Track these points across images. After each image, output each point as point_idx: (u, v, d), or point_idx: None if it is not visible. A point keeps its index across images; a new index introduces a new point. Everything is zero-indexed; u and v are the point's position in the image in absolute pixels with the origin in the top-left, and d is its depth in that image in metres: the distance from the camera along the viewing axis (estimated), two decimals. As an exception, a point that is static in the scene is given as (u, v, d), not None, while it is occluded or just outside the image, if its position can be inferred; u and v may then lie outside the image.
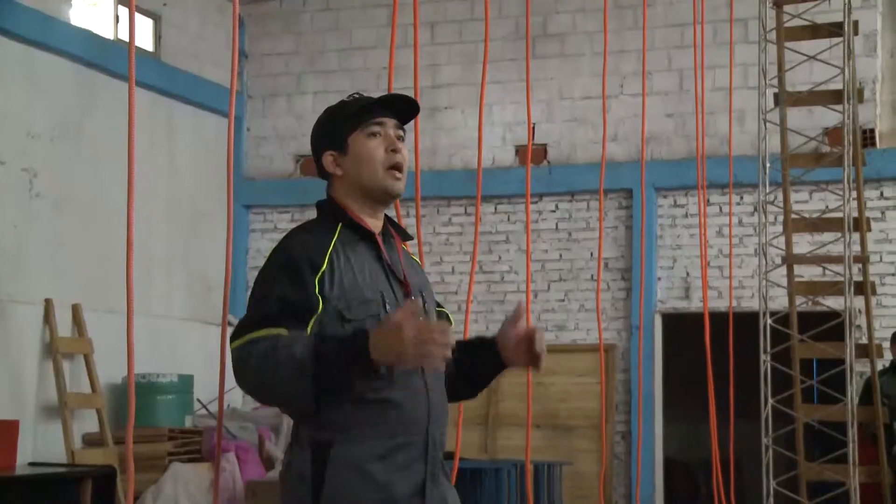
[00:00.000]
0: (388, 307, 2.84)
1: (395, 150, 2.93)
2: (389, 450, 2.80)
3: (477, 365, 3.06)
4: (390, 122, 2.97)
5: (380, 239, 2.97)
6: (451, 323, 3.10)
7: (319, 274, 2.77)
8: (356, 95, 3.05)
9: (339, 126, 2.96)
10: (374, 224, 2.98)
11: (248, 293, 2.89)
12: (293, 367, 2.63)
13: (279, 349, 2.64)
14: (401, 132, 3.00)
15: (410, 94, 4.69)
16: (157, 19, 11.04)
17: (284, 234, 2.97)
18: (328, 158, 2.97)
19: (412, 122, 3.12)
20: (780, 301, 9.53)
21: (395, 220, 3.12)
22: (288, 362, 2.63)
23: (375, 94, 3.11)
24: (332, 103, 3.11)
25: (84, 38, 9.89)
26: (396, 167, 2.93)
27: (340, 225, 2.91)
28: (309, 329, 2.73)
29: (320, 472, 2.76)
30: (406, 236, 3.09)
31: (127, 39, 4.07)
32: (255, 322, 2.73)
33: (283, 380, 2.64)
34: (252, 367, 2.67)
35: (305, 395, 2.66)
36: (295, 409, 2.80)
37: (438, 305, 3.14)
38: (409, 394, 2.84)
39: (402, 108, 3.03)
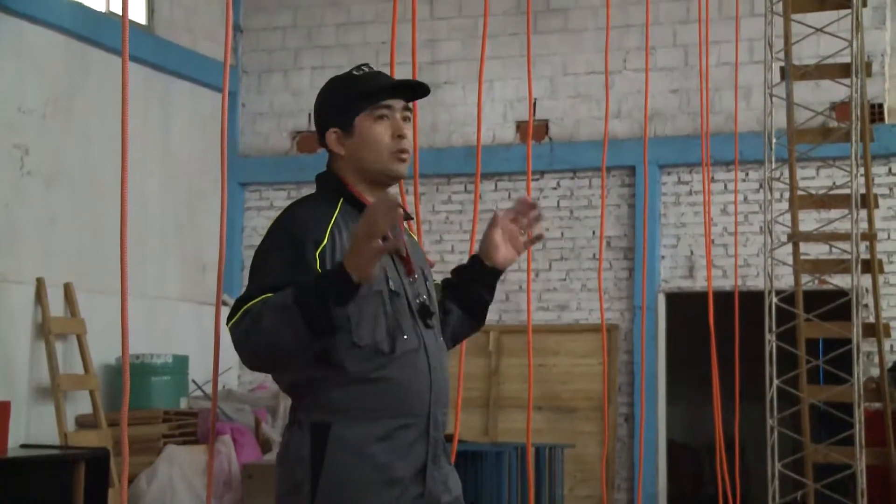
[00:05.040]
0: (390, 283, 2.81)
1: (401, 136, 2.87)
2: (390, 431, 2.76)
3: (469, 287, 3.08)
4: (398, 105, 2.91)
5: None
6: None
7: (320, 249, 2.73)
8: (365, 69, 2.95)
9: (346, 105, 2.89)
10: None
11: (244, 272, 2.85)
12: (280, 313, 2.58)
13: (267, 306, 2.61)
14: (408, 114, 2.94)
15: (409, 69, 4.60)
16: (150, -8, 10.86)
17: (283, 209, 2.90)
18: (332, 136, 2.91)
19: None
20: (785, 280, 9.39)
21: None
22: (274, 312, 2.58)
23: (375, 70, 3.01)
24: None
25: (76, 11, 9.70)
26: (402, 151, 2.88)
27: (342, 199, 2.87)
28: None
29: (319, 453, 2.72)
30: (406, 215, 3.01)
31: (119, 12, 3.91)
32: (248, 299, 2.69)
33: (274, 331, 2.59)
34: (247, 335, 2.63)
35: (297, 336, 2.58)
36: (298, 361, 2.70)
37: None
38: (412, 373, 2.80)
39: (414, 90, 2.96)
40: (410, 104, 2.96)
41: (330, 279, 2.58)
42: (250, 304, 2.66)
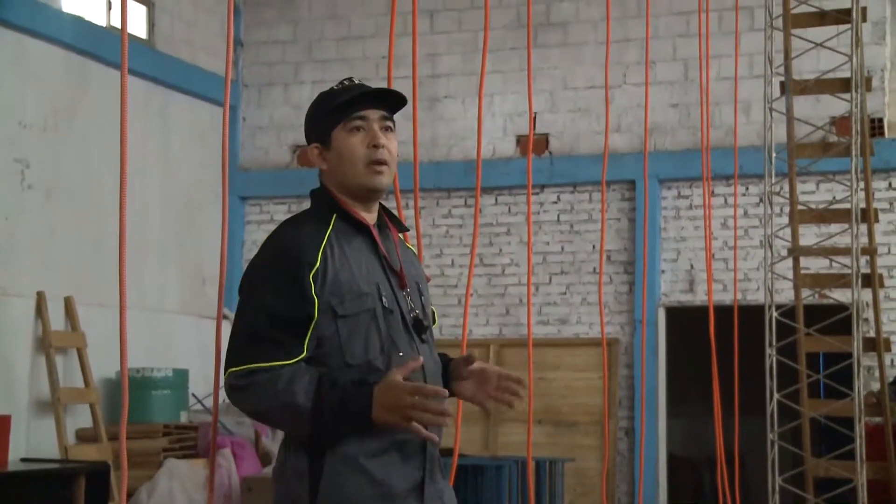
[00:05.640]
0: (384, 300, 2.79)
1: (376, 146, 2.83)
2: (387, 446, 2.74)
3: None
4: (375, 115, 2.86)
5: (375, 230, 2.89)
6: (434, 321, 3.07)
7: (313, 271, 2.71)
8: (346, 82, 2.93)
9: (323, 119, 2.88)
10: (369, 216, 2.91)
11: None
12: (293, 411, 2.64)
13: (279, 389, 2.64)
14: (388, 123, 2.89)
15: (409, 83, 4.58)
16: (150, 6, 10.88)
17: (279, 224, 2.89)
18: (314, 152, 2.91)
19: (410, 108, 3.06)
20: (786, 294, 9.39)
21: (392, 210, 3.04)
22: (288, 405, 2.64)
23: (374, 83, 2.99)
24: (329, 92, 2.99)
25: (76, 25, 9.73)
26: (378, 162, 2.84)
27: (335, 216, 2.84)
28: (307, 338, 2.69)
29: (317, 468, 2.71)
30: (401, 227, 3.01)
31: (119, 27, 3.92)
32: (248, 343, 2.68)
33: (282, 419, 2.69)
34: (250, 399, 2.68)
35: (302, 434, 2.71)
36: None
37: None
38: (408, 390, 2.78)
39: (390, 99, 2.92)
40: (391, 114, 2.91)
41: (352, 413, 2.64)
42: (257, 365, 2.66)
